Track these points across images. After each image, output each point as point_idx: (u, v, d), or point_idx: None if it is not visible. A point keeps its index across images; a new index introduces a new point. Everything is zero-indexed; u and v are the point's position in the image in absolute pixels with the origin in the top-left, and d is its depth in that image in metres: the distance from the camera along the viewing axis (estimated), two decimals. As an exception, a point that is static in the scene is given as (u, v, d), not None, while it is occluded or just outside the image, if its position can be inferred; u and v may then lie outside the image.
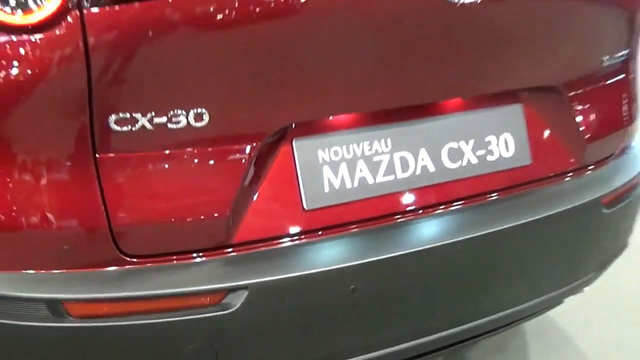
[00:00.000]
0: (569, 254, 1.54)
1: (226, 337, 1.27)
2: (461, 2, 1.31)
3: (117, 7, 1.12)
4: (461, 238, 1.41)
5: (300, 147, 1.32)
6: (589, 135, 1.64)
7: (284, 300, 1.28)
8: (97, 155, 1.18)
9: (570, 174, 1.64)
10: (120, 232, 1.20)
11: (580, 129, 1.62)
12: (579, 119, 1.63)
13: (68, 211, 1.21)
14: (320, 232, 1.34)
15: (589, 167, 1.66)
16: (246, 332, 1.27)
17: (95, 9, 1.12)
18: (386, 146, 1.37)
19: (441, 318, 1.47)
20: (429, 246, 1.37)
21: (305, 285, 1.27)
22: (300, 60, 1.29)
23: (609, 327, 2.42)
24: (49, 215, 1.20)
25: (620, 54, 1.65)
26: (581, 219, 1.57)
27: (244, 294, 1.23)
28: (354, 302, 1.34)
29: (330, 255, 1.31)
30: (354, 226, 1.36)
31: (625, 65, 1.68)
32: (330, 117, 1.38)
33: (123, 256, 1.22)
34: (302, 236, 1.32)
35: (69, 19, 1.11)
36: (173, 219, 1.24)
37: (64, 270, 1.22)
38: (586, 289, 1.85)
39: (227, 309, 1.23)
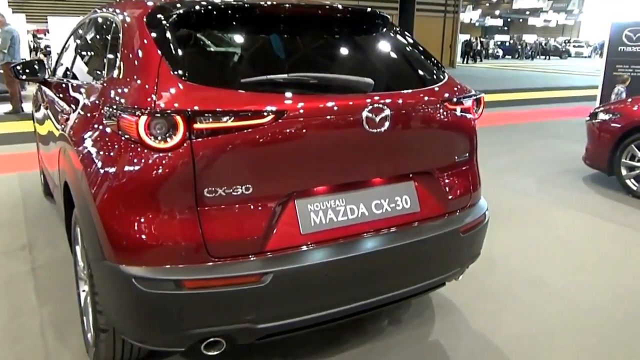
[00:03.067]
0: (442, 257, 2.08)
1: (262, 299, 1.80)
2: (376, 131, 1.92)
3: (208, 139, 1.71)
4: (384, 247, 1.98)
5: (299, 203, 1.97)
6: (451, 197, 2.26)
7: (291, 278, 1.81)
8: (198, 208, 1.75)
9: (442, 216, 2.21)
10: (210, 246, 1.76)
11: (446, 192, 2.23)
12: (445, 187, 2.23)
13: (184, 236, 1.75)
14: (309, 245, 1.90)
15: (452, 213, 2.24)
16: (272, 295, 1.80)
17: (198, 140, 1.70)
18: (342, 202, 1.95)
19: (372, 290, 2.04)
20: (367, 251, 1.96)
21: (302, 271, 1.84)
22: (300, 162, 1.88)
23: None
24: (177, 238, 1.74)
25: (466, 154, 2.31)
26: (447, 239, 2.18)
27: (271, 276, 1.77)
28: (327, 280, 1.89)
29: (314, 257, 1.89)
30: (327, 242, 1.93)
31: (470, 159, 2.35)
32: (313, 188, 1.96)
33: (211, 257, 1.78)
34: (300, 247, 1.88)
35: (185, 144, 1.69)
36: (235, 239, 1.80)
37: (181, 265, 1.75)
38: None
39: (262, 283, 1.77)
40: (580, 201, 4.56)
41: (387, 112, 1.91)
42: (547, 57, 39.53)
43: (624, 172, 4.68)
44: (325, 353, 2.34)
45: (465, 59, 32.42)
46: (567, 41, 49.51)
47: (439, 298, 2.83)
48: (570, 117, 9.21)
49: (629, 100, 5.11)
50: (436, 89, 2.15)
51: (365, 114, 1.87)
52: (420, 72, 2.27)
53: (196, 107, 1.65)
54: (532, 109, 10.77)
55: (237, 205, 1.75)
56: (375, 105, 1.89)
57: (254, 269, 1.73)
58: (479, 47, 34.86)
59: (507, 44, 44.06)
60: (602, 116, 4.92)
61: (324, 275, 1.84)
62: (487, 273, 2.99)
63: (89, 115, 2.04)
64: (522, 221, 4.05)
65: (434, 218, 2.13)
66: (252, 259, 1.77)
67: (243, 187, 1.74)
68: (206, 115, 1.66)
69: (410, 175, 2.11)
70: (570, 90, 13.39)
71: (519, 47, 41.50)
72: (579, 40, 50.92)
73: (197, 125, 1.65)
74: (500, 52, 40.37)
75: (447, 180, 2.19)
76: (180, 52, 1.82)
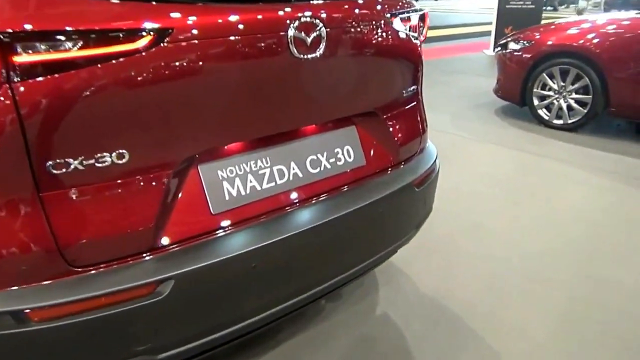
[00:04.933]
0: (398, 220, 1.57)
1: (161, 317, 1.21)
2: (304, 57, 1.17)
3: (39, 79, 1.02)
4: (328, 219, 1.43)
5: (204, 170, 1.33)
6: (400, 143, 1.74)
7: (203, 282, 1.23)
8: (40, 194, 1.07)
9: (391, 168, 1.71)
10: (67, 250, 1.10)
11: (395, 138, 1.72)
12: (392, 132, 1.72)
13: (21, 240, 1.07)
14: (226, 229, 1.31)
15: (403, 163, 1.75)
16: (176, 311, 1.22)
17: (25, 81, 1.00)
18: (267, 163, 1.33)
19: (317, 276, 1.54)
20: (303, 229, 1.40)
21: (218, 269, 1.26)
22: (199, 110, 1.24)
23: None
24: (8, 244, 1.05)
25: (411, 88, 1.78)
26: (402, 197, 1.70)
27: (171, 283, 1.16)
28: (256, 275, 1.32)
29: (235, 244, 1.24)
30: (250, 221, 1.35)
31: (416, 96, 1.84)
32: (223, 146, 1.35)
33: (71, 267, 1.12)
34: (212, 234, 1.29)
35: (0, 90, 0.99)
36: (108, 235, 1.15)
37: (23, 286, 1.07)
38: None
39: (159, 296, 1.15)
40: (497, 135, 4.36)
41: (322, 29, 1.31)
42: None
43: (535, 102, 4.53)
44: (257, 349, 1.80)
45: None
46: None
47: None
48: (466, 52, 9.23)
49: (540, 28, 4.96)
50: None
51: (291, 32, 1.25)
52: None
53: (19, 27, 0.95)
54: (427, 47, 10.63)
55: (106, 184, 1.10)
56: (306, 19, 1.28)
57: (144, 277, 1.11)
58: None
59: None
60: (513, 46, 4.69)
61: (251, 268, 1.25)
62: (426, 224, 2.64)
63: None
64: (445, 160, 3.76)
65: (383, 171, 1.62)
66: (139, 261, 1.14)
67: (113, 155, 1.08)
68: (37, 39, 0.97)
69: (351, 118, 1.57)
70: (462, 27, 13.69)
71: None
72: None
73: (21, 58, 0.95)
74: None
75: (393, 122, 1.66)
76: None
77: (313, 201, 1.44)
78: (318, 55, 1.32)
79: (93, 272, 1.10)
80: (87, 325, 1.08)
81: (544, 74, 4.43)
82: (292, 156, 1.42)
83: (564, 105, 4.40)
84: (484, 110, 5.12)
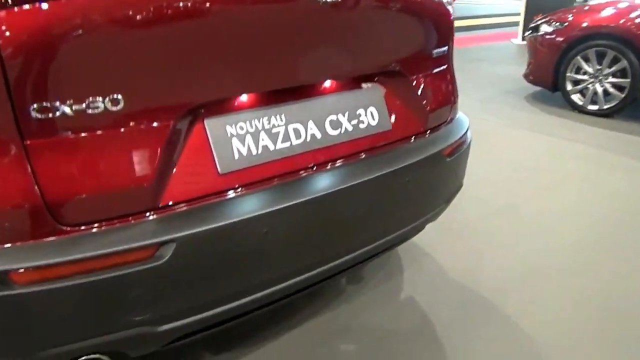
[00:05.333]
0: (426, 192, 1.36)
1: (161, 284, 1.08)
2: (328, 1, 1.02)
3: (21, 8, 0.88)
4: (348, 185, 1.28)
5: (211, 124, 1.19)
6: (429, 108, 1.57)
7: (207, 247, 1.09)
8: (26, 142, 0.94)
9: (420, 135, 1.55)
10: (56, 206, 0.97)
11: (423, 103, 1.55)
12: (421, 95, 1.55)
13: (2, 193, 0.95)
14: (234, 191, 1.16)
15: (432, 130, 1.58)
16: (177, 277, 1.08)
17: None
18: (281, 120, 1.17)
19: (334, 249, 1.34)
20: (321, 194, 1.26)
21: (224, 233, 1.13)
22: (206, 53, 1.10)
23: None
24: None
25: (441, 50, 1.61)
26: (432, 166, 1.55)
27: (173, 247, 1.03)
28: (267, 243, 1.17)
29: (244, 207, 1.19)
30: (262, 184, 1.20)
31: (446, 59, 1.66)
32: (232, 99, 1.20)
33: (61, 226, 0.99)
34: (219, 195, 1.14)
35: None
36: (102, 191, 1.02)
37: (8, 245, 0.95)
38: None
39: (159, 260, 1.03)
40: (528, 120, 4.10)
41: None
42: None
43: (569, 86, 4.26)
44: (271, 331, 1.66)
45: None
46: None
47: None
48: (493, 41, 8.93)
49: (573, 9, 4.67)
50: None
51: None
52: None
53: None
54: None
55: (99, 133, 0.97)
56: None
57: (142, 238, 0.99)
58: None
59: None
60: (545, 28, 4.41)
61: (262, 235, 1.11)
62: (451, 205, 2.47)
63: None
64: (477, 144, 3.60)
65: (410, 138, 1.45)
66: (137, 222, 1.01)
67: (106, 100, 0.95)
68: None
69: (376, 77, 1.41)
70: (489, 17, 13.36)
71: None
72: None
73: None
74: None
75: (422, 85, 1.49)
76: None
77: (332, 165, 1.28)
78: (341, 0, 1.18)
79: (85, 232, 0.97)
80: (78, 291, 0.96)
81: (579, 57, 4.15)
82: (309, 114, 1.27)
83: (600, 90, 4.13)
84: (513, 97, 4.86)
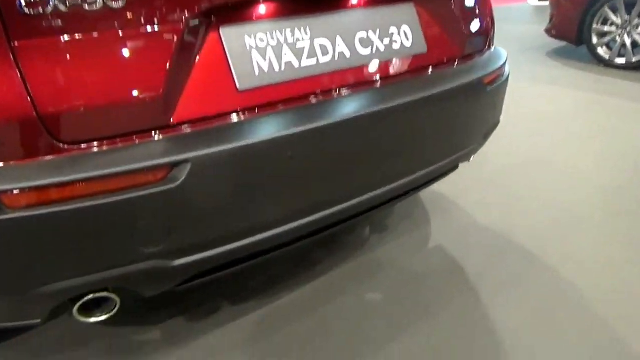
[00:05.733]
0: (464, 124, 1.22)
1: (175, 211, 0.93)
2: None
3: None
4: (377, 109, 1.12)
5: (227, 34, 1.02)
6: (467, 32, 1.40)
7: (226, 170, 0.95)
8: (13, 43, 0.80)
9: (458, 60, 1.38)
10: (51, 120, 0.83)
11: (462, 26, 1.39)
12: (459, 17, 1.38)
13: None
14: (255, 109, 1.01)
15: (471, 56, 1.41)
16: (193, 204, 0.94)
17: None
18: (307, 34, 1.03)
19: (361, 181, 1.23)
20: (354, 116, 1.10)
21: (244, 154, 0.98)
22: None
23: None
24: None
25: None
26: (470, 94, 1.37)
27: (187, 168, 0.89)
28: (292, 168, 1.03)
29: (266, 128, 1.03)
30: (286, 104, 1.05)
31: None
32: (250, 4, 1.02)
33: (58, 143, 0.85)
34: (238, 113, 0.99)
35: None
36: (104, 103, 0.87)
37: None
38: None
39: (172, 183, 0.89)
40: (552, 76, 3.87)
41: None
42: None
43: (594, 39, 4.01)
44: (292, 281, 1.55)
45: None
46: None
47: (425, 191, 2.09)
48: (509, 3, 8.62)
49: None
50: None
51: None
52: None
53: None
54: None
55: (99, 34, 0.82)
56: None
57: (153, 158, 0.85)
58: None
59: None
60: (570, -22, 4.22)
61: (285, 160, 0.97)
62: (480, 155, 2.31)
63: None
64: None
65: (448, 62, 1.29)
66: (147, 140, 0.87)
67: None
68: None
69: (410, -8, 1.27)
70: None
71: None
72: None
73: None
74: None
75: (460, 6, 1.35)
76: None
77: (363, 87, 1.13)
78: None
79: (86, 150, 0.84)
80: (80, 217, 0.84)
81: (606, 8, 3.90)
82: (338, 29, 1.10)
83: (628, 42, 3.88)
84: (535, 53, 4.61)
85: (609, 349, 1.32)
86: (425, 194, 2.09)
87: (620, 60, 3.96)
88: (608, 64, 4.00)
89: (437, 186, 2.12)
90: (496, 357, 1.28)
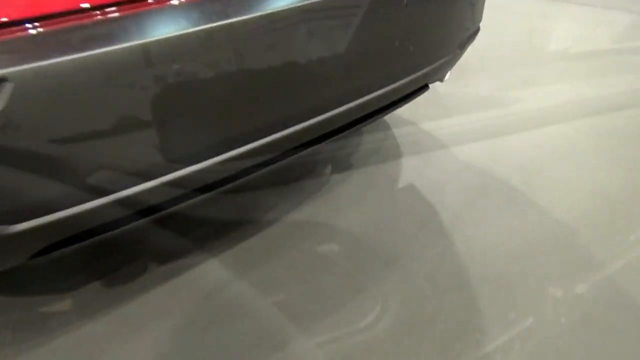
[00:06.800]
0: (432, 28, 0.85)
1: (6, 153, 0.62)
2: None
3: None
4: (305, 3, 0.79)
5: None
6: None
7: (70, 89, 0.61)
8: None
9: None
10: None
11: None
12: None
13: None
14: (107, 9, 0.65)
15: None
16: (24, 141, 0.62)
17: None
18: None
19: (292, 101, 0.74)
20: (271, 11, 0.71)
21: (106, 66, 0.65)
22: None
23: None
24: None
25: None
26: None
27: (9, 88, 0.57)
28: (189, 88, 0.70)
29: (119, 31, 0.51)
30: None
31: None
32: None
33: None
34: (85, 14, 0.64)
35: None
36: None
37: None
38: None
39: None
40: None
41: None
42: None
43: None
44: (232, 235, 1.26)
45: None
46: None
47: (395, 119, 1.81)
48: None
49: None
50: None
51: None
52: None
53: None
54: None
55: None
56: None
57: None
58: None
59: None
60: None
61: (174, 73, 0.66)
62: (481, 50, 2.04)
63: None
64: (524, 22, 3.10)
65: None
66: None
67: None
68: None
69: None
70: None
71: None
72: None
73: None
74: None
75: None
76: None
77: None
78: None
79: None
80: None
81: None
82: None
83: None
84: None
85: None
86: (392, 120, 1.80)
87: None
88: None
89: (412, 109, 1.83)
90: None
